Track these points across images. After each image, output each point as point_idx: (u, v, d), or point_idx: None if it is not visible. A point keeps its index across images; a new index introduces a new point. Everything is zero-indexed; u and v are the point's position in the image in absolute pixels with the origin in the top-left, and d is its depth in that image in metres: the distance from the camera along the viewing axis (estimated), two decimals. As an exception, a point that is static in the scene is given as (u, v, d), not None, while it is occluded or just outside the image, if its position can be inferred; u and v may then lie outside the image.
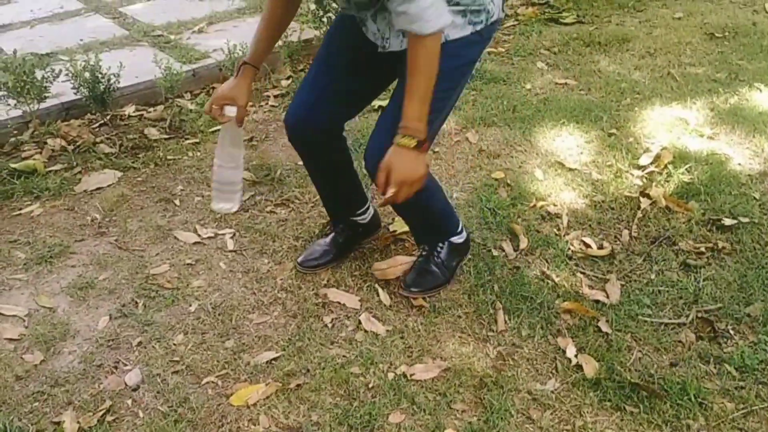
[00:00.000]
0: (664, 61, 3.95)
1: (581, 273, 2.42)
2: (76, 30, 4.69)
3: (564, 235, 2.61)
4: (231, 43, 3.81)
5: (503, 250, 2.53)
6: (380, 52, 1.99)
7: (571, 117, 3.33)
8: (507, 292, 2.31)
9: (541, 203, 2.77)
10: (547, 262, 2.48)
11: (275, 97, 3.82)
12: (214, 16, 4.80)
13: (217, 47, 4.14)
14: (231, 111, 2.07)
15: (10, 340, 2.21)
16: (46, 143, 3.37)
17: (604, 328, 2.17)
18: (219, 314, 2.28)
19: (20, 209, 2.88)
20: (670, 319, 2.21)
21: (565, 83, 3.69)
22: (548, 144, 3.14)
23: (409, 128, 1.81)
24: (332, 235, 2.47)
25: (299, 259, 2.44)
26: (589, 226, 2.66)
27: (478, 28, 1.90)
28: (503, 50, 4.15)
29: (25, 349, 2.18)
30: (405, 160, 1.82)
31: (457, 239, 2.33)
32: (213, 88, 3.96)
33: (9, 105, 3.21)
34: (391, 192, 1.84)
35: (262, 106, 3.73)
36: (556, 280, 2.38)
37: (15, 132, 3.42)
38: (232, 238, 2.66)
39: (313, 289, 2.36)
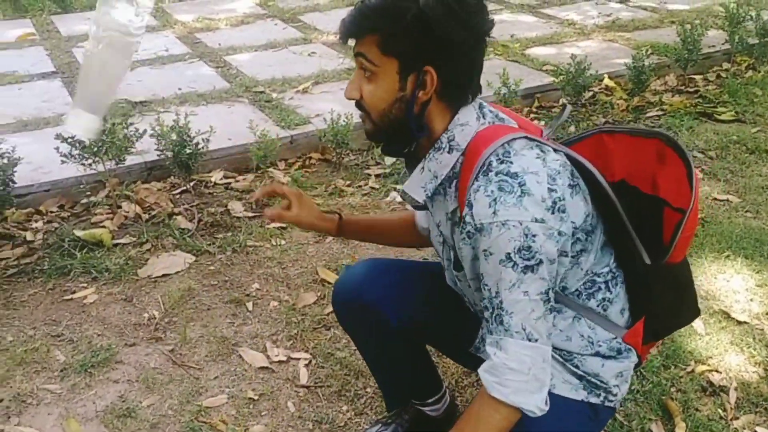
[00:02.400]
0: None
1: (759, 484, 1.79)
2: (176, 77, 4.41)
3: (731, 419, 1.98)
4: (335, 113, 3.38)
5: (652, 437, 1.92)
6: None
7: (737, 248, 2.69)
8: None
9: (701, 368, 2.15)
10: (711, 460, 1.86)
11: (376, 177, 3.36)
12: (321, 75, 4.42)
13: (320, 112, 3.74)
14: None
15: (21, 484, 1.78)
16: (119, 207, 3.01)
17: None
18: (277, 483, 1.78)
19: (73, 292, 2.50)
20: None
21: (727, 200, 3.05)
22: (708, 283, 2.51)
23: None
24: (392, 425, 1.87)
25: None
26: (765, 409, 2.02)
27: (593, 401, 1.44)
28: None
29: (34, 501, 1.74)
30: None
31: None
32: (309, 158, 3.55)
33: (84, 165, 2.87)
34: None
35: (360, 187, 3.27)
36: (726, 493, 1.76)
37: (89, 193, 3.09)
38: (306, 366, 2.16)
39: (400, 466, 1.82)
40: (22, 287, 2.54)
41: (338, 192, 3.22)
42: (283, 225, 2.92)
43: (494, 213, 1.23)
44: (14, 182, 2.83)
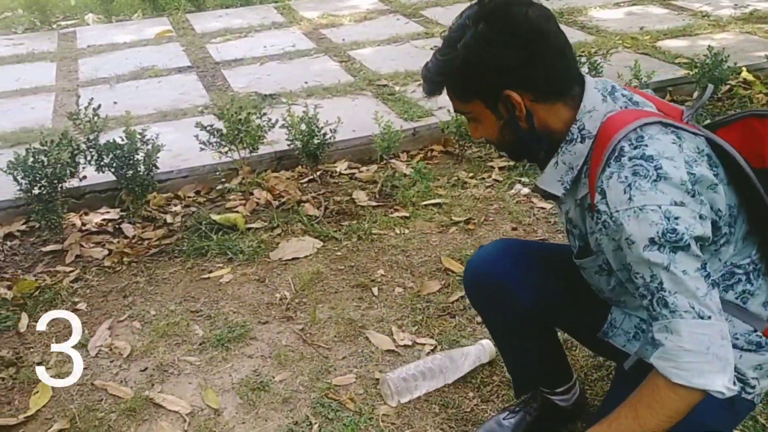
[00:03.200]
0: None
1: None
2: (302, 71, 4.55)
3: None
4: (460, 105, 3.37)
5: (800, 444, 1.81)
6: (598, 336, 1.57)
7: None
8: None
9: None
10: None
11: (500, 169, 3.33)
12: (445, 68, 4.42)
13: (442, 105, 3.74)
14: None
15: (166, 446, 1.89)
16: (252, 194, 3.14)
17: None
18: (405, 463, 1.81)
19: (210, 271, 2.63)
20: None
21: None
22: None
23: None
24: (520, 413, 1.84)
25: None
26: None
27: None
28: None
29: (178, 463, 1.84)
30: None
31: None
32: (431, 150, 3.56)
33: (221, 152, 3.01)
34: None
35: (483, 179, 3.25)
36: None
37: (223, 180, 3.24)
38: (431, 352, 2.18)
39: (528, 455, 1.81)
40: (163, 266, 2.70)
41: (461, 184, 3.22)
42: (406, 215, 2.96)
43: (630, 199, 1.19)
44: (157, 168, 3.00)
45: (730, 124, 1.45)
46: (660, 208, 1.18)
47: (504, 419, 1.83)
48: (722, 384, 1.18)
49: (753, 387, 1.39)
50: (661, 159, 1.21)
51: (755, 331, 1.38)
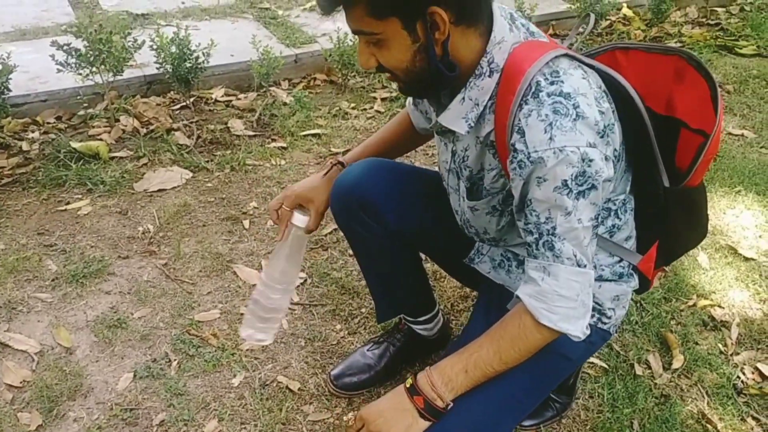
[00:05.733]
0: None
1: (753, 419, 1.77)
2: (180, -9, 4.25)
3: (732, 355, 1.95)
4: (342, 31, 3.26)
5: (649, 367, 1.89)
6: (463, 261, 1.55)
7: (749, 183, 2.61)
8: (650, 436, 1.69)
9: (703, 302, 2.11)
10: (706, 394, 1.83)
11: (382, 100, 3.27)
12: (330, -7, 4.25)
13: (326, 31, 3.62)
14: (300, 219, 1.52)
15: (10, 387, 1.77)
16: (118, 121, 2.94)
17: None
18: (266, 398, 1.76)
19: (68, 203, 2.46)
20: None
21: (742, 135, 2.96)
22: (717, 218, 2.45)
23: (429, 385, 1.27)
24: (384, 344, 1.84)
25: (333, 372, 1.80)
26: (767, 345, 1.99)
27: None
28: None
29: (23, 404, 1.72)
30: (396, 415, 1.27)
31: None
32: (314, 78, 3.45)
33: (81, 74, 2.78)
34: None
35: (365, 110, 3.18)
36: (719, 425, 1.74)
37: (86, 105, 3.01)
38: (302, 285, 2.13)
39: (390, 385, 1.80)
40: (16, 196, 2.50)
41: (342, 114, 3.14)
42: (284, 145, 2.86)
43: (551, 139, 1.13)
44: (9, 90, 2.75)
45: (595, 57, 1.42)
46: (579, 149, 1.13)
47: (368, 350, 1.81)
48: (581, 329, 1.22)
49: (609, 317, 1.42)
50: (578, 96, 1.16)
51: (620, 261, 1.40)
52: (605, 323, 1.43)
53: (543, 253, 1.20)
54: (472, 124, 1.27)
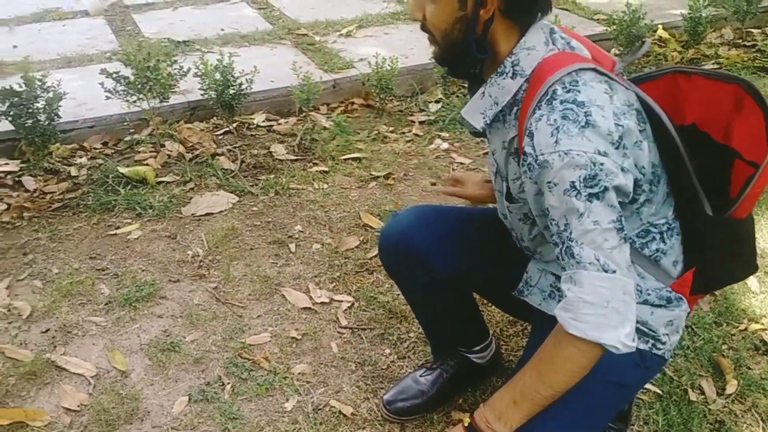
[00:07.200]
0: None
1: (811, 446, 1.74)
2: (218, 18, 4.35)
3: (785, 380, 1.92)
4: (380, 57, 3.30)
5: (703, 393, 1.87)
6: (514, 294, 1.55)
7: (795, 206, 2.59)
8: (708, 464, 1.68)
9: (754, 326, 2.09)
10: (761, 419, 1.81)
11: (420, 123, 3.30)
12: (366, 18, 4.32)
13: (363, 56, 3.67)
14: None
15: (68, 410, 1.80)
16: (163, 146, 3.00)
17: None
18: (320, 422, 1.78)
19: (117, 227, 2.51)
20: None
21: (786, 157, 2.93)
22: (766, 241, 2.43)
23: (484, 422, 1.30)
24: (437, 370, 1.82)
25: (386, 397, 1.79)
26: (821, 371, 1.96)
27: (640, 346, 1.35)
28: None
29: (81, 428, 1.75)
30: None
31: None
32: (352, 103, 3.49)
33: (128, 101, 2.85)
34: None
35: (403, 133, 3.21)
36: (777, 452, 1.72)
37: (132, 131, 3.08)
38: (349, 309, 2.15)
39: (443, 411, 1.81)
40: (66, 221, 2.56)
41: (381, 138, 3.17)
42: (325, 169, 2.89)
43: (556, 142, 1.16)
44: (59, 117, 2.82)
45: (656, 80, 1.43)
46: (586, 154, 1.15)
47: (420, 376, 1.82)
48: (617, 339, 1.16)
49: (664, 343, 1.41)
50: (592, 106, 1.18)
51: (665, 287, 1.40)
52: (660, 349, 1.42)
53: (567, 262, 1.19)
54: (488, 121, 1.32)
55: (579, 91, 1.19)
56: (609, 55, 1.37)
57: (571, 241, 1.17)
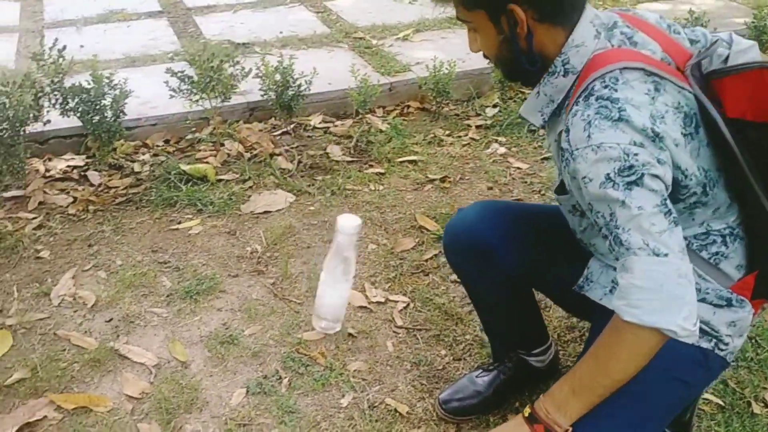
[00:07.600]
0: None
1: None
2: (277, 21, 4.42)
3: None
4: (438, 60, 3.31)
5: (766, 406, 1.83)
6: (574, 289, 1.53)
7: None
8: (773, 480, 1.63)
9: (821, 340, 2.02)
10: (829, 436, 1.76)
11: (477, 128, 3.29)
12: (423, 23, 4.34)
13: (420, 60, 3.68)
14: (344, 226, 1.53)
15: (130, 398, 1.84)
16: (223, 145, 3.06)
17: None
18: (375, 419, 1.79)
19: (179, 222, 2.57)
20: None
21: None
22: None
23: (544, 412, 1.29)
24: (494, 371, 1.82)
25: (442, 396, 1.80)
26: None
27: (703, 345, 1.34)
28: None
29: (143, 415, 1.80)
30: None
31: None
32: (408, 106, 3.50)
33: (191, 100, 2.92)
34: None
35: (460, 137, 3.21)
36: None
37: (194, 129, 3.15)
38: (405, 309, 2.16)
39: (499, 414, 1.80)
40: (130, 215, 2.63)
41: (437, 141, 3.17)
42: (381, 171, 2.91)
43: (588, 137, 1.17)
44: (125, 114, 2.90)
45: (742, 73, 1.38)
46: (618, 145, 1.15)
47: (477, 377, 1.81)
48: (674, 322, 1.12)
49: (726, 344, 1.37)
50: (627, 104, 1.18)
51: (725, 288, 1.37)
52: (723, 350, 1.38)
53: (618, 251, 1.18)
54: (546, 119, 1.36)
55: (616, 89, 1.20)
56: (687, 47, 1.35)
57: (618, 229, 1.16)
